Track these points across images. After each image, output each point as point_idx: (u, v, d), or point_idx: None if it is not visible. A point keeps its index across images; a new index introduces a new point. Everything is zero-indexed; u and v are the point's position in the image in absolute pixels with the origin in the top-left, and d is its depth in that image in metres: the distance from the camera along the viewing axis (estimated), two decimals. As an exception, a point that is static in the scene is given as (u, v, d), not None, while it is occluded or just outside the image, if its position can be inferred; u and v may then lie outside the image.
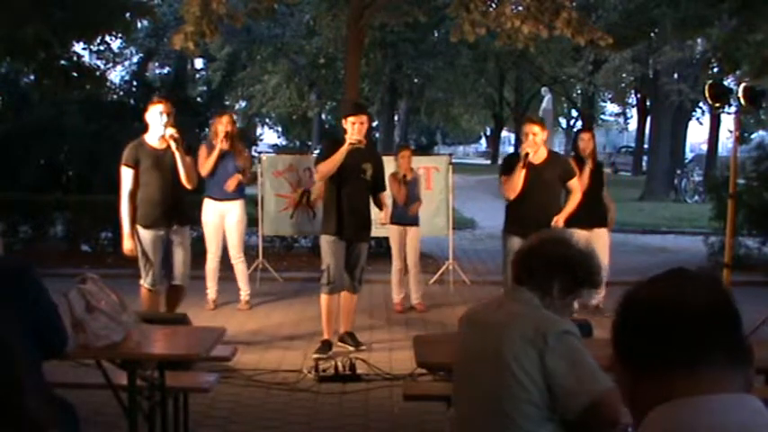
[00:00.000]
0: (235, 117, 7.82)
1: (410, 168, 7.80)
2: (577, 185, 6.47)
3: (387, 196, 6.71)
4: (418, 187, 7.88)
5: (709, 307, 1.26)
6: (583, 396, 2.41)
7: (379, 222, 6.44)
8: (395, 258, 7.78)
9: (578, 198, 6.43)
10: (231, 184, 7.36)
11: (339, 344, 6.32)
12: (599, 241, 7.32)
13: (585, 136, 7.70)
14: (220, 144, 7.26)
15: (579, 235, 7.09)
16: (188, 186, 6.11)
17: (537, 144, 6.15)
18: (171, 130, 5.92)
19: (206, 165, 7.26)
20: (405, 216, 7.68)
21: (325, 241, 6.20)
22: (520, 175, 6.10)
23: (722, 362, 1.23)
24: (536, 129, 6.20)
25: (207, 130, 12.05)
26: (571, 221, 7.52)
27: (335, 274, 6.15)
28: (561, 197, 6.51)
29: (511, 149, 33.62)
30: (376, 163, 6.33)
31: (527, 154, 6.09)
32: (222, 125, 7.35)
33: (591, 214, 7.37)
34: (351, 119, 6.11)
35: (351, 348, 6.26)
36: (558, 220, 6.15)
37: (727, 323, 1.27)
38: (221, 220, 7.48)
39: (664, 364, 1.24)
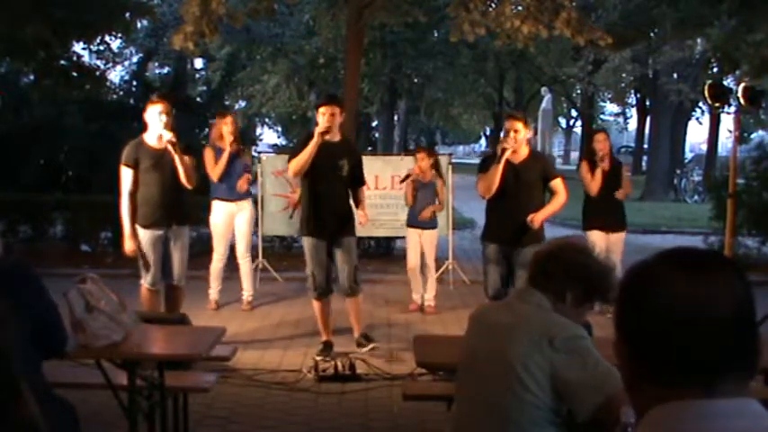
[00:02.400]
0: (235, 116, 7.83)
1: (428, 171, 7.68)
2: (562, 187, 5.96)
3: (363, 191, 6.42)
4: (436, 191, 7.73)
5: (735, 313, 1.17)
6: (595, 395, 2.40)
7: (359, 223, 6.26)
8: (410, 259, 7.77)
9: (562, 201, 5.96)
10: (243, 185, 7.38)
11: (357, 349, 6.14)
12: (615, 245, 7.31)
13: (600, 137, 7.54)
14: (230, 146, 7.25)
15: (596, 237, 7.18)
16: (188, 186, 6.08)
17: (518, 141, 5.72)
18: (168, 135, 5.87)
19: (217, 169, 7.26)
20: (422, 219, 7.68)
21: (306, 244, 6.08)
22: (496, 173, 5.70)
23: (737, 368, 1.18)
24: (518, 125, 5.75)
25: (207, 129, 12.06)
26: (588, 224, 7.50)
27: (320, 279, 6.05)
28: (544, 199, 6.06)
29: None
30: (352, 158, 6.12)
31: (504, 150, 5.68)
32: (228, 126, 7.34)
33: (607, 218, 7.35)
34: (321, 109, 5.95)
35: (367, 348, 6.13)
36: (536, 218, 5.69)
37: (750, 327, 1.20)
38: (231, 220, 7.48)
39: (676, 374, 1.18)
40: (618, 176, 7.42)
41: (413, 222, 7.77)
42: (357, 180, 6.20)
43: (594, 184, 7.30)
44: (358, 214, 6.22)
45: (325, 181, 5.95)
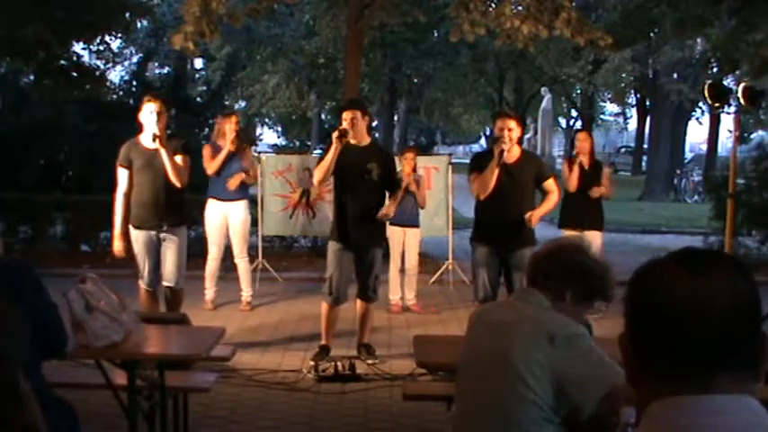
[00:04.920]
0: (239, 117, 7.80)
1: (413, 170, 7.68)
2: (554, 187, 5.89)
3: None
4: (418, 189, 7.71)
5: (736, 312, 1.19)
6: (599, 387, 2.42)
7: (382, 214, 5.87)
8: (393, 259, 7.74)
9: (555, 200, 5.94)
10: (233, 183, 7.33)
11: (361, 357, 6.02)
12: (592, 244, 7.30)
13: (581, 136, 7.70)
14: (229, 145, 7.25)
15: (569, 236, 7.16)
16: (177, 185, 5.94)
17: (512, 140, 5.63)
18: (154, 128, 5.80)
19: (213, 164, 7.25)
20: (404, 217, 7.67)
21: (331, 248, 5.96)
22: (493, 174, 5.58)
23: (736, 366, 1.20)
24: (512, 124, 5.65)
25: (207, 130, 12.08)
26: (562, 222, 7.55)
27: (338, 286, 5.89)
28: (535, 199, 5.96)
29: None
30: (383, 162, 5.91)
31: (502, 151, 5.55)
32: (231, 125, 7.35)
33: (583, 216, 7.38)
34: (343, 114, 5.87)
35: (369, 362, 5.91)
36: (533, 216, 5.64)
37: (752, 326, 1.21)
38: (225, 220, 7.47)
39: (675, 369, 1.20)
40: (598, 177, 7.51)
41: (398, 221, 7.55)
42: (390, 187, 5.99)
43: (572, 180, 7.37)
44: (384, 207, 5.88)
45: (353, 187, 5.80)
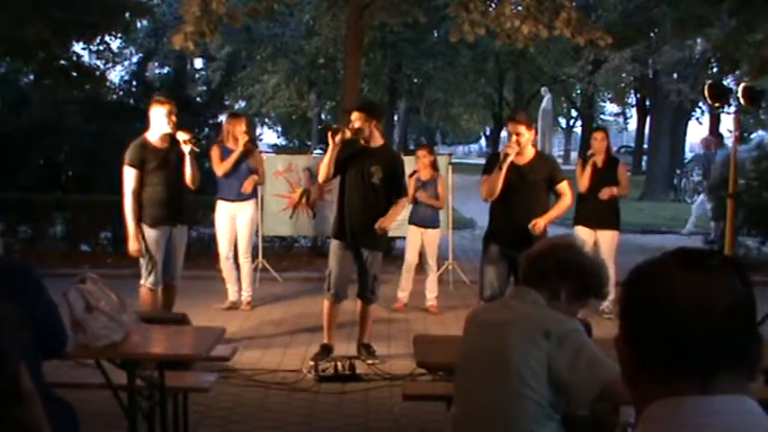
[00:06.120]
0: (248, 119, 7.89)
1: (429, 169, 7.74)
2: (567, 190, 5.80)
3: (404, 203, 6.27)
4: (436, 188, 7.74)
5: (733, 312, 1.20)
6: (593, 385, 2.44)
7: (377, 227, 5.89)
8: (408, 257, 7.79)
9: (567, 203, 5.88)
10: (248, 186, 7.43)
11: (361, 357, 6.02)
12: (603, 243, 7.31)
13: (598, 135, 7.61)
14: (242, 147, 7.29)
15: (582, 233, 7.18)
16: (192, 187, 6.18)
17: (521, 145, 5.63)
18: (185, 135, 5.99)
19: (223, 166, 7.29)
20: (424, 218, 7.70)
21: (332, 246, 6.06)
22: (499, 178, 5.56)
23: (734, 366, 1.20)
24: (521, 128, 5.61)
25: (207, 129, 12.09)
26: (576, 220, 7.54)
27: (336, 282, 5.93)
28: (549, 201, 5.90)
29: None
30: (388, 166, 5.91)
31: (506, 155, 5.57)
32: (242, 126, 7.44)
33: (594, 215, 7.37)
34: (351, 116, 5.96)
35: (369, 362, 5.92)
36: (539, 222, 5.57)
37: (748, 326, 1.22)
38: (233, 220, 7.50)
39: (674, 370, 1.20)
40: (613, 175, 7.43)
41: (414, 220, 7.77)
42: (394, 190, 5.94)
43: (583, 181, 7.36)
44: (379, 221, 5.84)
45: (355, 187, 5.84)
